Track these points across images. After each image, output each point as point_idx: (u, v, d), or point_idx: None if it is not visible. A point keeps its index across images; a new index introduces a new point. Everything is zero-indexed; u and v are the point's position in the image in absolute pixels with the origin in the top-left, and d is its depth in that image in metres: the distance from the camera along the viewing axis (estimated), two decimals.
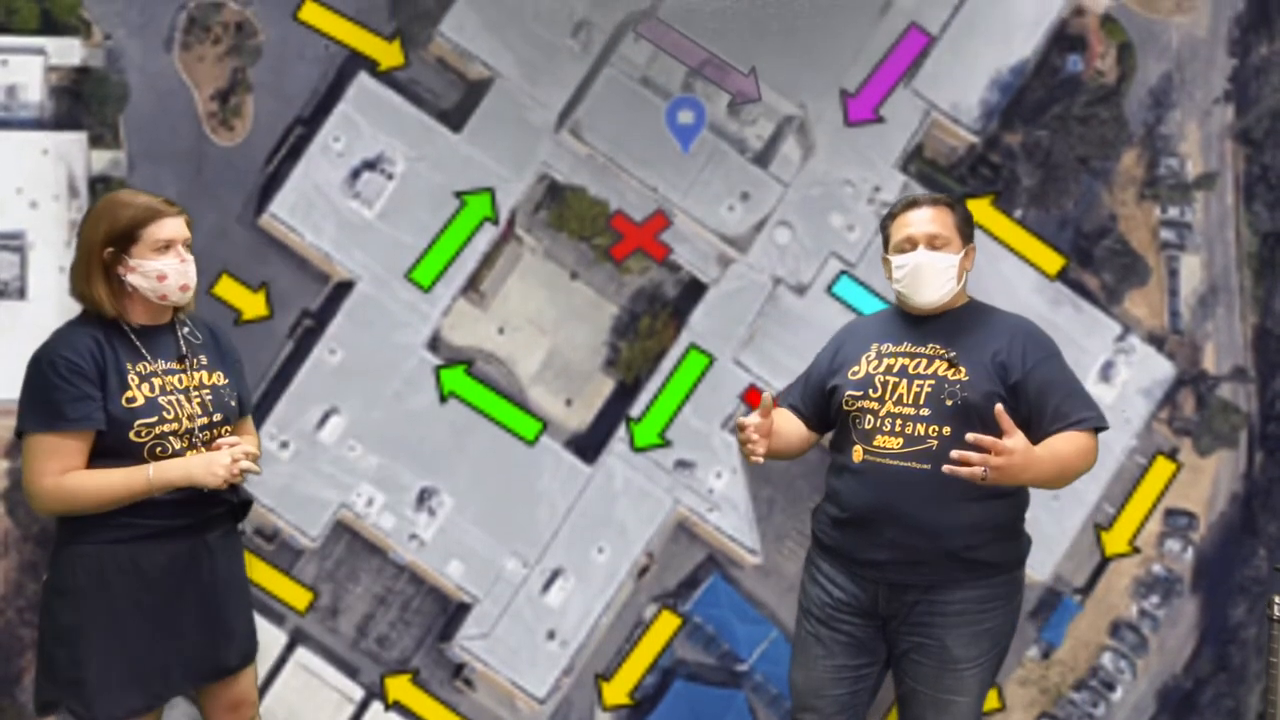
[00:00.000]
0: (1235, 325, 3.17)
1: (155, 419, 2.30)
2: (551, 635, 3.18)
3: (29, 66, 3.04)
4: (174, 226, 2.35)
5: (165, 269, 2.33)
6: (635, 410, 3.16)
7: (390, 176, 3.12)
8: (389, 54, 3.11)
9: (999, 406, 2.23)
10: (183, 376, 2.38)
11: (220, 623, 2.45)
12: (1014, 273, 3.11)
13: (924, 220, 2.46)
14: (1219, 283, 3.16)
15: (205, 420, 2.37)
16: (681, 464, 3.17)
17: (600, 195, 3.14)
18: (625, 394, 3.17)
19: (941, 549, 2.38)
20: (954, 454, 2.21)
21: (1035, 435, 2.35)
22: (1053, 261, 3.15)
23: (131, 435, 2.28)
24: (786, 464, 3.14)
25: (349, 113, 3.10)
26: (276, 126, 3.09)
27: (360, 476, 3.14)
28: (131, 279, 2.33)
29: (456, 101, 3.12)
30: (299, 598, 3.13)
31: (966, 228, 2.52)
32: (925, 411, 2.38)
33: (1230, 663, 3.20)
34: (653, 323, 3.16)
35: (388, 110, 3.11)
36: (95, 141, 3.05)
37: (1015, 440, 2.20)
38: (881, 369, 2.46)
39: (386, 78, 3.11)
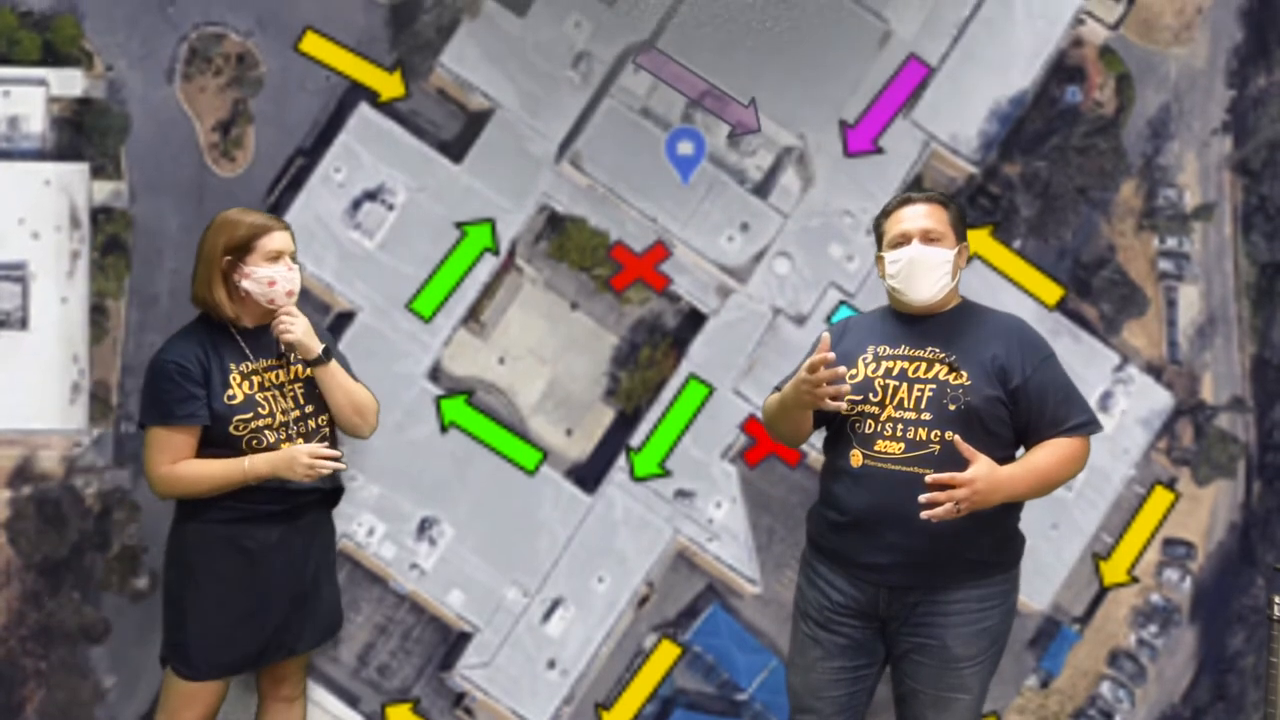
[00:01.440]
0: (1233, 355, 3.18)
1: (251, 415, 2.60)
2: (552, 664, 3.19)
3: (31, 97, 3.05)
4: (283, 239, 2.65)
5: (275, 275, 2.61)
6: (635, 440, 3.17)
7: (391, 207, 3.13)
8: (390, 85, 3.12)
9: (957, 438, 2.30)
10: (280, 372, 2.68)
11: (306, 601, 2.72)
12: (1013, 303, 3.11)
13: (919, 215, 2.47)
14: (1217, 313, 3.17)
15: (298, 413, 2.67)
16: (681, 494, 3.18)
17: (600, 226, 3.15)
18: (625, 424, 3.18)
19: (943, 551, 2.39)
20: (923, 498, 2.27)
21: (1032, 439, 2.44)
22: (1051, 292, 3.16)
23: (231, 429, 2.59)
24: (785, 493, 3.17)
25: (350, 144, 3.11)
26: (278, 157, 3.10)
27: (361, 506, 3.15)
28: (246, 284, 2.62)
29: (457, 132, 3.13)
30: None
31: (961, 225, 2.53)
32: (927, 416, 2.39)
33: (1229, 692, 3.21)
34: (653, 353, 3.17)
35: (388, 141, 3.12)
36: (97, 172, 3.06)
37: (975, 469, 2.26)
38: (880, 372, 2.46)
39: (387, 109, 3.12)
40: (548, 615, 3.19)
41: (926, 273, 2.44)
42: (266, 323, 2.67)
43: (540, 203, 3.14)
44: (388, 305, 3.13)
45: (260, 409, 2.61)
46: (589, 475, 3.18)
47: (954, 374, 2.40)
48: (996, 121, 3.15)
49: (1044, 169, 3.16)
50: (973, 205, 3.14)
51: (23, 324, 3.07)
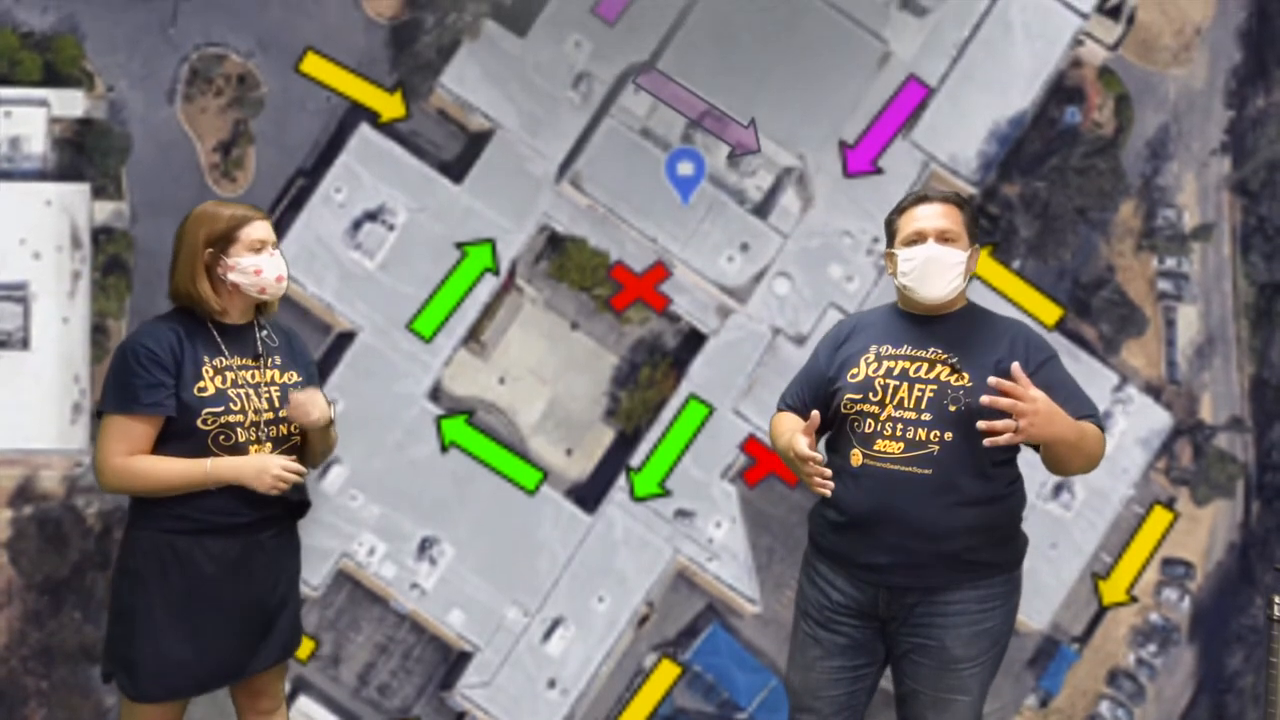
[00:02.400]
0: (1232, 375, 3.19)
1: (222, 409, 2.45)
2: (552, 684, 3.20)
3: (32, 118, 3.06)
4: (264, 228, 2.54)
5: (261, 264, 2.51)
6: (635, 460, 3.18)
7: (391, 227, 3.14)
8: (390, 106, 3.12)
9: (1015, 364, 2.23)
10: (256, 373, 2.53)
11: (265, 622, 2.57)
12: None
13: (934, 215, 2.45)
14: (1216, 333, 3.18)
15: (271, 415, 2.51)
16: (681, 513, 3.19)
17: (600, 246, 3.16)
18: (625, 444, 3.18)
19: (942, 552, 2.38)
20: (982, 426, 2.22)
21: None
22: (1051, 312, 3.17)
23: (199, 423, 2.44)
24: (785, 512, 3.17)
25: (350, 164, 3.12)
26: (278, 178, 3.11)
27: (362, 526, 3.15)
28: (232, 276, 2.50)
29: (457, 153, 3.14)
30: (301, 646, 3.14)
31: (974, 227, 2.50)
32: (927, 416, 2.37)
33: (1227, 711, 3.21)
34: (653, 373, 3.18)
35: (389, 162, 3.12)
36: (98, 193, 3.07)
37: (1037, 391, 2.22)
38: (881, 372, 2.45)
39: (388, 129, 3.13)
40: (548, 635, 3.19)
41: (941, 273, 2.43)
42: (249, 320, 2.58)
43: (540, 223, 3.15)
44: (388, 325, 3.14)
45: (232, 404, 2.48)
46: (589, 495, 3.18)
47: (955, 375, 2.39)
48: (996, 142, 3.16)
49: (1043, 189, 3.16)
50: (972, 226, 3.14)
51: (24, 344, 3.08)
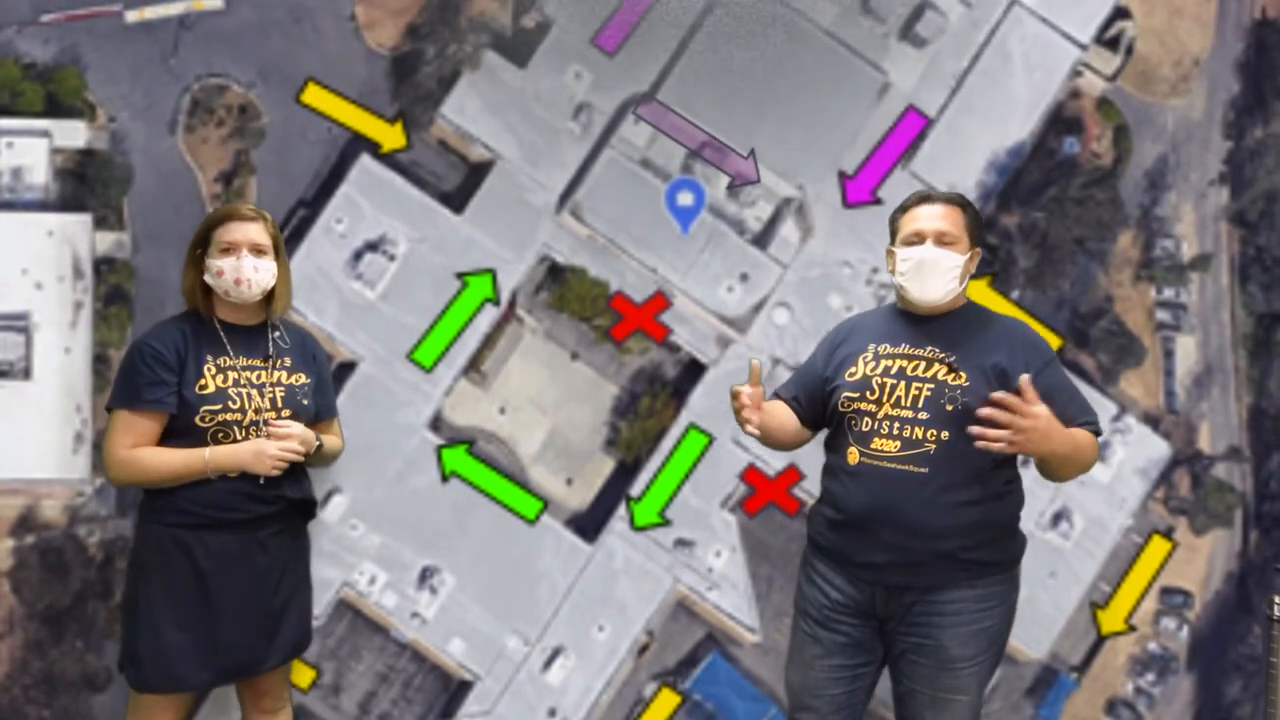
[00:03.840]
0: (1230, 405, 3.19)
1: (220, 407, 2.55)
2: (552, 713, 3.20)
3: (34, 149, 3.06)
4: (239, 230, 2.61)
5: (224, 267, 2.59)
6: (635, 489, 3.19)
7: (392, 258, 3.15)
8: (391, 136, 3.13)
9: (1025, 378, 2.25)
10: (262, 373, 2.63)
11: (271, 621, 2.63)
12: None
13: (935, 216, 2.47)
14: (1214, 363, 3.19)
15: (273, 414, 2.61)
16: (681, 543, 3.20)
17: (600, 276, 3.16)
18: (625, 473, 3.19)
19: (939, 551, 2.39)
20: (973, 431, 2.24)
21: None
22: (1049, 342, 3.16)
23: (197, 419, 2.55)
24: (785, 542, 3.18)
25: (351, 194, 3.13)
26: (279, 208, 3.10)
27: (362, 555, 3.16)
28: (206, 278, 2.63)
29: (458, 183, 3.15)
30: (302, 675, 3.15)
31: (975, 230, 2.52)
32: (924, 415, 2.39)
33: None
34: (653, 403, 3.19)
35: (390, 192, 3.13)
36: (100, 223, 3.07)
37: (1040, 408, 2.23)
38: (879, 371, 2.46)
39: (388, 160, 3.13)
40: (548, 664, 3.20)
41: (936, 275, 2.44)
42: (252, 322, 2.68)
43: (541, 253, 3.16)
44: (389, 355, 3.15)
45: (231, 403, 2.57)
46: (589, 524, 3.19)
47: (953, 375, 2.40)
48: (994, 172, 3.17)
49: (1042, 220, 3.17)
50: None
51: (26, 374, 3.09)
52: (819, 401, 2.58)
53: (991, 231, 3.17)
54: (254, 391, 2.60)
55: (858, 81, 3.16)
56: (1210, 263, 3.19)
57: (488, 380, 3.18)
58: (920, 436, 2.38)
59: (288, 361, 2.69)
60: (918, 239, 2.47)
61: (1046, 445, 2.28)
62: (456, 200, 3.15)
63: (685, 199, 3.17)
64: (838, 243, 3.17)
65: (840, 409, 2.48)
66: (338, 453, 2.89)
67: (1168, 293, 3.18)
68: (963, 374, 2.39)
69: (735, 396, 2.45)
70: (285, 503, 2.65)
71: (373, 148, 3.13)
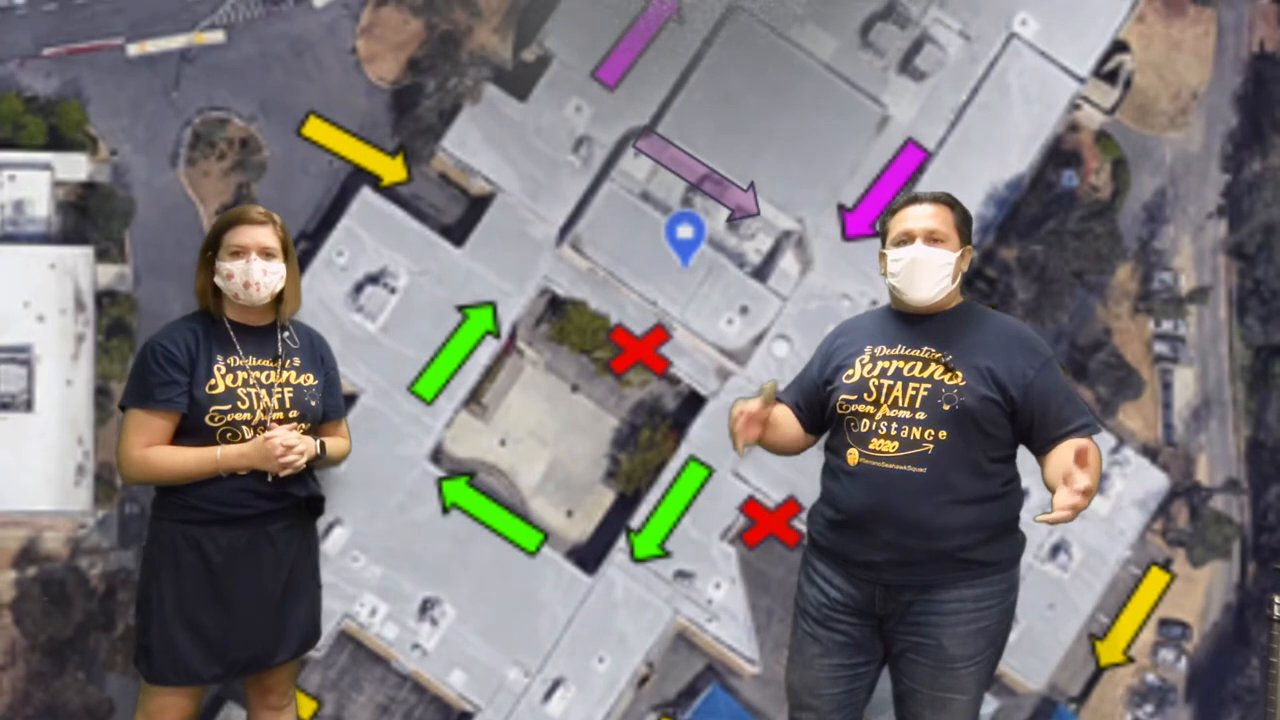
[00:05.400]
0: (1228, 438, 3.20)
1: (229, 407, 2.59)
2: None
3: (36, 182, 3.07)
4: (248, 234, 2.65)
5: (233, 269, 2.63)
6: (635, 521, 3.20)
7: (393, 290, 3.15)
8: (392, 169, 3.14)
9: (1072, 457, 2.23)
10: (271, 374, 2.66)
11: (279, 616, 2.67)
12: None
13: (923, 215, 2.48)
14: (1212, 396, 3.20)
15: (281, 415, 2.64)
16: (681, 574, 3.21)
17: (601, 309, 3.17)
18: (625, 505, 3.20)
19: (937, 550, 2.40)
20: (1044, 520, 2.23)
21: (1037, 440, 2.43)
22: None
23: (207, 419, 2.58)
24: (784, 573, 3.19)
25: (352, 227, 3.14)
26: None
27: (363, 587, 3.17)
28: (216, 279, 2.67)
29: (459, 216, 3.16)
30: (303, 706, 3.16)
31: (965, 228, 2.53)
32: (921, 415, 2.39)
33: None
34: (652, 435, 3.19)
35: (390, 225, 3.14)
36: (102, 256, 3.08)
37: (1082, 481, 2.22)
38: (876, 372, 2.47)
39: (389, 193, 3.14)
40: (549, 695, 3.21)
41: (928, 273, 2.45)
42: (261, 322, 2.71)
43: (541, 286, 3.17)
44: (390, 387, 3.16)
45: (240, 403, 2.61)
46: (589, 556, 3.20)
47: (949, 374, 2.40)
48: (993, 205, 3.18)
49: (1040, 253, 3.18)
50: (970, 288, 3.17)
51: (28, 406, 3.09)
52: (818, 405, 2.59)
53: (990, 264, 3.18)
54: (262, 392, 2.64)
55: (857, 115, 3.17)
56: (1208, 295, 3.20)
57: (488, 412, 3.19)
58: (918, 436, 2.39)
59: (296, 362, 2.72)
60: (907, 239, 2.48)
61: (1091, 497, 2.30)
62: (457, 233, 3.16)
63: (685, 232, 3.18)
64: (837, 275, 3.18)
65: (839, 411, 2.50)
66: (344, 454, 2.92)
67: (1166, 325, 3.19)
68: (959, 373, 2.40)
69: (736, 416, 2.49)
70: (293, 499, 2.68)
71: (374, 181, 3.14)
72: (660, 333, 3.18)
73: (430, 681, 3.19)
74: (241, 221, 2.66)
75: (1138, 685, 3.22)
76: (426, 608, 3.18)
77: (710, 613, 3.21)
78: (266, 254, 2.66)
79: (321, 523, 3.14)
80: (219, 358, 2.63)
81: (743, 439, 2.48)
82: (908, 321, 2.52)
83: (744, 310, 3.19)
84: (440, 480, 3.17)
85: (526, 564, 3.19)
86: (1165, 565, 3.21)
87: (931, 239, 2.45)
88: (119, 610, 3.10)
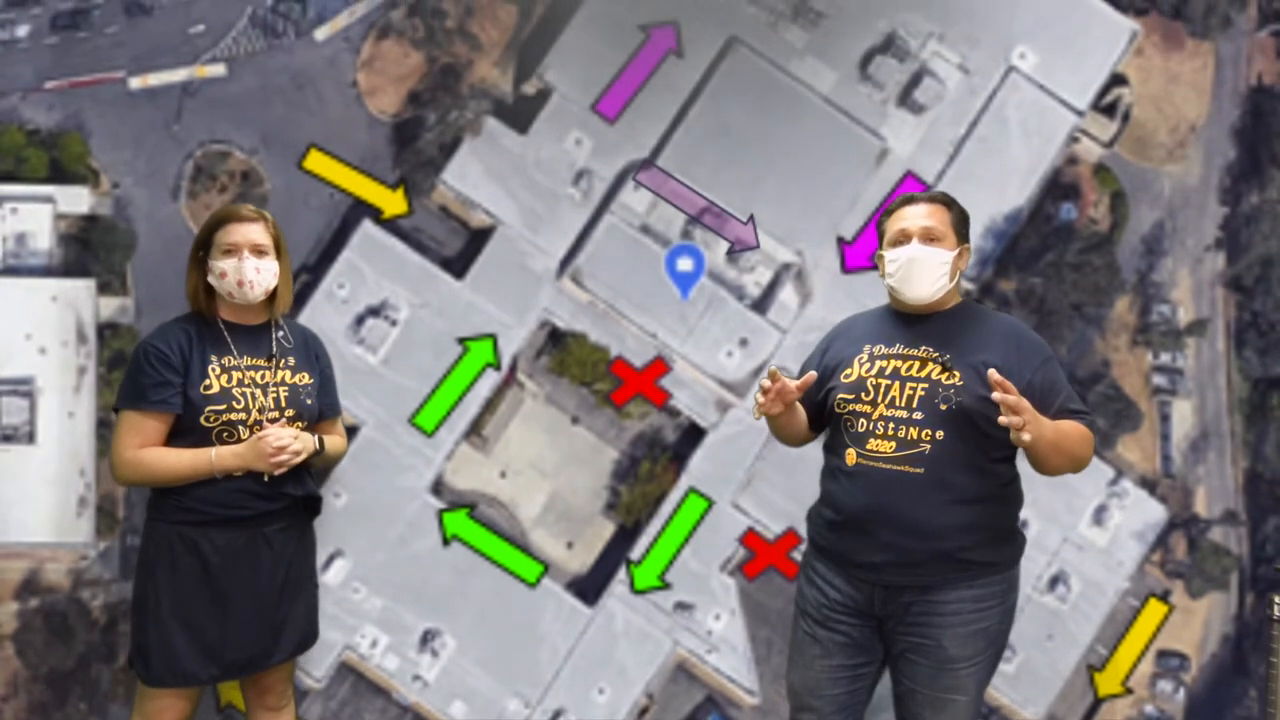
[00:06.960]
0: (1226, 470, 3.21)
1: (224, 407, 2.58)
2: None
3: (38, 214, 3.08)
4: (241, 232, 2.64)
5: (226, 268, 2.62)
6: (635, 553, 3.21)
7: (394, 323, 3.16)
8: (392, 202, 3.15)
9: (992, 371, 2.26)
10: (266, 373, 2.66)
11: (276, 617, 2.68)
12: None
13: (919, 215, 2.49)
14: (1210, 428, 3.21)
15: (276, 414, 2.64)
16: (681, 606, 3.22)
17: (601, 341, 3.18)
18: (625, 537, 3.21)
19: (936, 550, 2.40)
20: (998, 396, 2.23)
21: None
22: None
23: (202, 419, 2.58)
24: (784, 605, 3.20)
25: (353, 260, 3.15)
26: None
27: (364, 618, 3.18)
28: (209, 278, 2.66)
29: (459, 249, 3.17)
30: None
31: (963, 227, 2.54)
32: (918, 415, 2.40)
33: None
34: (652, 467, 3.20)
35: (391, 257, 3.15)
36: (103, 288, 3.09)
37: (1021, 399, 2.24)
38: (874, 371, 2.48)
39: (390, 225, 3.15)
40: None
41: (925, 272, 2.45)
42: (255, 322, 2.71)
43: (541, 318, 3.18)
44: (391, 420, 3.17)
45: (235, 403, 2.60)
46: (589, 588, 3.21)
47: (946, 374, 2.41)
48: (992, 238, 3.19)
49: (1039, 285, 3.19)
50: None
51: (30, 438, 3.11)
52: (817, 404, 2.60)
53: (989, 297, 3.19)
54: (258, 391, 2.63)
55: (856, 148, 3.18)
56: (1206, 328, 3.20)
57: (489, 444, 3.20)
58: (915, 436, 2.40)
59: (291, 361, 2.72)
60: (904, 238, 2.49)
61: (1037, 428, 2.28)
62: (458, 265, 3.17)
63: (685, 264, 3.19)
64: (836, 307, 3.18)
65: (836, 410, 2.51)
66: (341, 453, 2.93)
67: (1164, 358, 3.20)
68: (956, 373, 2.41)
69: (764, 389, 2.43)
70: (290, 500, 2.69)
71: (374, 213, 3.15)
72: (660, 365, 3.19)
73: (431, 713, 3.20)
74: (233, 219, 2.66)
75: (1136, 717, 3.23)
76: (427, 639, 3.19)
77: (710, 644, 3.22)
78: (259, 251, 2.66)
79: (323, 554, 3.16)
80: (213, 358, 2.62)
81: (762, 410, 2.44)
82: (906, 321, 2.53)
83: (744, 342, 3.20)
84: (441, 512, 3.18)
85: (527, 595, 3.20)
86: (1163, 597, 3.22)
87: (928, 238, 2.47)
88: (121, 641, 3.11)
